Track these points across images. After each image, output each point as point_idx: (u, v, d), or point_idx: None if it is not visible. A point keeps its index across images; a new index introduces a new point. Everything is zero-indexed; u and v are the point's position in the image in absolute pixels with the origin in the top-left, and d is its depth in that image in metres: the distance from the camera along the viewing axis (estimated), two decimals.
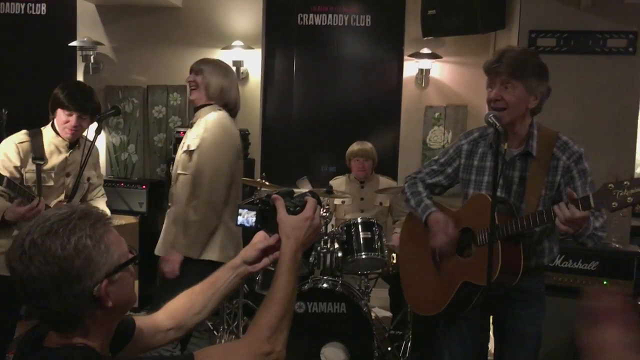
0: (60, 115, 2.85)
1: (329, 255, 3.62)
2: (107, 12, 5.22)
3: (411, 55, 4.97)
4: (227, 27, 5.12)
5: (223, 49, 5.01)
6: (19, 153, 2.82)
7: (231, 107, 3.01)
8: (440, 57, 4.96)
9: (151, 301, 4.93)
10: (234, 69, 5.00)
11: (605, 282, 3.22)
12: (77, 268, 1.15)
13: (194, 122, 2.98)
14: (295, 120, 5.39)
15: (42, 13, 5.36)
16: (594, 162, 3.61)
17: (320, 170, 5.31)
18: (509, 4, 4.28)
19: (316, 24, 5.28)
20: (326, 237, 3.63)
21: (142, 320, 1.44)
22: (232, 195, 2.92)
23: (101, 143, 5.24)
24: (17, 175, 2.82)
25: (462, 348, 2.40)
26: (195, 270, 2.63)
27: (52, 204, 2.88)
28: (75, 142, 2.95)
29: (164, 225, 3.04)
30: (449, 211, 2.45)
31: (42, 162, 2.85)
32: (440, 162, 2.49)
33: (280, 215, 1.43)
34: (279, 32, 5.31)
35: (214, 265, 1.89)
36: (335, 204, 4.30)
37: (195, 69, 2.97)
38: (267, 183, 4.10)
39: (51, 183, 2.89)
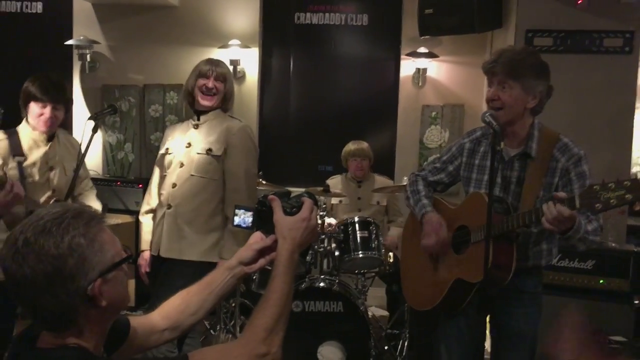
0: (34, 108, 2.84)
1: (325, 255, 3.62)
2: (104, 11, 5.20)
3: (408, 55, 4.97)
4: (224, 25, 5.11)
5: (220, 47, 5.00)
6: None
7: (230, 107, 3.04)
8: (437, 56, 4.97)
9: (148, 300, 4.93)
10: (230, 68, 5.01)
11: (601, 281, 3.23)
12: (71, 267, 1.14)
13: (200, 124, 2.92)
14: (292, 120, 5.39)
15: (38, 11, 5.35)
16: (590, 161, 3.63)
17: (317, 169, 5.30)
18: (505, 3, 4.28)
19: (313, 23, 5.27)
20: (323, 236, 3.63)
21: (137, 321, 1.44)
22: None
23: (97, 142, 5.23)
24: (0, 174, 2.79)
25: (459, 344, 2.40)
26: (193, 270, 2.63)
27: (42, 199, 2.87)
28: (53, 134, 2.92)
29: (165, 226, 2.90)
30: (447, 208, 2.46)
31: (22, 158, 2.83)
32: (442, 159, 2.51)
33: (277, 216, 1.43)
34: (276, 31, 5.30)
35: (213, 266, 1.89)
36: (332, 204, 4.30)
37: (221, 76, 2.90)
38: (264, 182, 4.10)
39: (36, 178, 2.86)
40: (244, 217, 1.50)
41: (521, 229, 2.16)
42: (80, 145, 2.98)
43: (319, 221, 3.68)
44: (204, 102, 2.90)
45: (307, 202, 1.45)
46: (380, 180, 4.42)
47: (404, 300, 3.06)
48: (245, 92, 5.16)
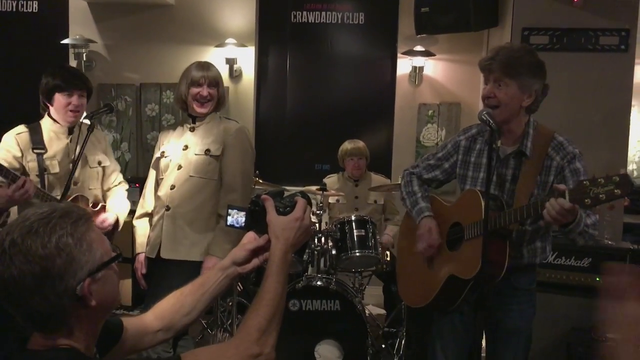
0: (60, 100, 2.87)
1: (322, 253, 3.62)
2: (100, 10, 5.19)
3: (405, 53, 4.98)
4: (220, 24, 5.10)
5: (216, 46, 4.99)
6: (18, 144, 2.87)
7: (223, 107, 3.04)
8: (434, 55, 4.97)
9: (144, 300, 4.92)
10: (227, 67, 5.02)
11: (598, 279, 3.23)
12: (59, 267, 1.13)
13: (196, 127, 2.92)
14: (288, 118, 5.39)
15: (34, 10, 5.33)
16: (586, 160, 3.62)
17: (313, 168, 5.30)
18: (502, 1, 4.29)
19: (309, 21, 5.27)
20: (320, 235, 3.63)
21: (130, 322, 1.43)
22: None
23: None
24: (18, 166, 2.87)
25: (454, 341, 2.41)
26: (190, 270, 2.63)
27: (62, 191, 2.88)
28: (72, 127, 2.95)
29: (164, 227, 2.89)
30: (443, 206, 2.47)
31: (42, 151, 2.88)
32: (437, 156, 2.51)
33: (270, 216, 1.42)
34: (272, 30, 5.30)
35: None
36: (330, 202, 4.31)
37: (213, 81, 2.89)
38: (260, 181, 4.09)
39: (57, 170, 2.90)
40: (236, 217, 1.50)
41: (516, 224, 2.16)
42: (87, 137, 2.97)
43: (316, 220, 3.68)
44: (200, 110, 2.90)
45: (301, 201, 1.44)
46: (377, 179, 4.42)
47: (401, 298, 3.06)
48: (241, 91, 5.16)
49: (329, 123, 5.30)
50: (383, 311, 4.38)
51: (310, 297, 3.31)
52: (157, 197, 2.97)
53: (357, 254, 3.64)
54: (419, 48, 4.90)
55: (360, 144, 4.35)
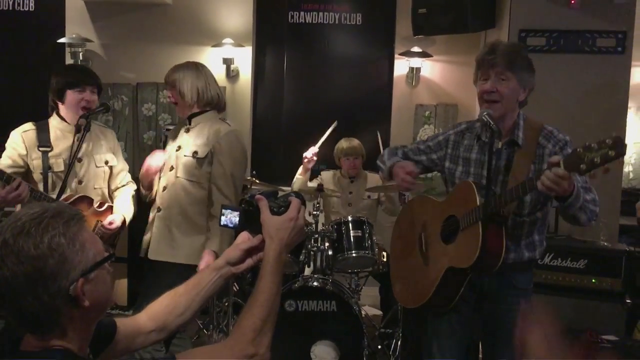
0: (72, 96, 2.91)
1: (319, 254, 3.61)
2: (96, 9, 5.17)
3: (402, 54, 4.98)
4: (217, 24, 5.09)
5: (213, 46, 4.99)
6: (24, 141, 2.89)
7: (215, 104, 2.95)
8: (431, 56, 4.97)
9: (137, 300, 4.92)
10: (224, 67, 5.01)
11: (593, 280, 3.24)
12: (52, 267, 1.12)
13: (191, 128, 2.91)
14: (285, 118, 5.38)
15: (31, 9, 5.31)
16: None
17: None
18: (499, 3, 4.29)
19: (307, 22, 5.26)
20: (316, 236, 3.63)
21: (123, 322, 1.42)
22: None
23: None
24: (22, 164, 2.89)
25: (452, 342, 2.40)
26: (181, 271, 2.63)
27: (67, 189, 2.90)
28: (80, 126, 2.94)
29: (154, 229, 2.91)
30: (435, 202, 2.49)
31: (48, 149, 2.89)
32: (427, 144, 2.53)
33: (264, 216, 1.41)
34: (269, 30, 5.29)
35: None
36: (326, 191, 4.31)
37: (169, 82, 2.90)
38: (257, 181, 4.09)
39: (61, 168, 2.91)
40: (230, 217, 1.49)
41: (512, 206, 2.19)
42: (82, 136, 2.97)
43: (312, 221, 3.68)
44: (178, 114, 2.99)
45: (295, 201, 1.44)
46: (372, 178, 4.43)
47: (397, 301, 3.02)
48: (238, 91, 5.15)
49: (326, 123, 5.26)
50: (379, 312, 4.38)
51: (307, 298, 3.30)
52: (155, 197, 2.99)
53: (354, 255, 3.64)
54: (416, 49, 4.90)
55: (356, 142, 4.36)
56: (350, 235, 3.66)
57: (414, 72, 5.04)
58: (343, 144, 4.37)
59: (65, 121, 2.95)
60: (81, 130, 2.88)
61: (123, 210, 3.09)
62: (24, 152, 2.88)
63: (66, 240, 1.14)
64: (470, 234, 2.17)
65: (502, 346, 2.36)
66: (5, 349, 1.20)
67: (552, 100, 3.90)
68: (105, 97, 5.13)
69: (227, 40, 4.92)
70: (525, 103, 2.33)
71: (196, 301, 1.49)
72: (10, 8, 5.32)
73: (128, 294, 4.77)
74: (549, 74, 3.91)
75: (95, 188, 3.04)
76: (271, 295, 1.34)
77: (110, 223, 2.98)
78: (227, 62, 4.99)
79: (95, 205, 3.00)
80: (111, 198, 3.15)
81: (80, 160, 2.95)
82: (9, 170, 2.77)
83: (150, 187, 3.00)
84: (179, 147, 2.91)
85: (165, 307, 1.49)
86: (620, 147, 1.85)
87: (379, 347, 3.84)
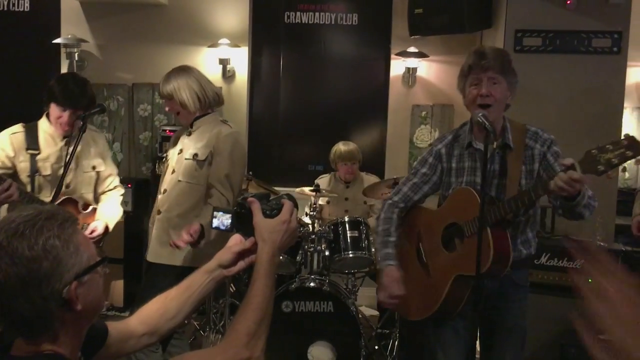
0: (54, 110, 2.86)
1: (316, 254, 3.61)
2: (92, 9, 5.16)
3: (398, 54, 4.98)
4: (213, 24, 5.08)
5: (209, 46, 4.98)
6: (12, 143, 2.87)
7: (215, 103, 2.95)
8: (427, 56, 4.97)
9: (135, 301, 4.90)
10: (220, 67, 5.00)
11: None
12: (46, 269, 1.11)
13: (192, 131, 2.90)
14: (282, 119, 5.38)
15: (26, 9, 5.29)
16: (578, 159, 3.60)
17: (307, 168, 5.29)
18: (495, 3, 4.30)
19: (303, 22, 5.26)
20: (313, 236, 3.62)
21: (115, 326, 1.41)
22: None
23: None
24: (10, 165, 2.87)
25: (457, 347, 2.38)
26: (178, 273, 2.62)
27: (52, 194, 2.88)
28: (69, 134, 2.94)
29: (154, 231, 2.90)
30: (431, 212, 2.45)
31: (36, 152, 2.88)
32: (422, 172, 2.46)
33: (257, 219, 1.40)
34: (265, 30, 5.29)
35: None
36: (321, 204, 4.30)
37: (166, 96, 2.85)
38: (253, 182, 4.08)
39: (48, 172, 2.90)
40: (222, 220, 1.48)
41: (521, 210, 2.22)
42: (78, 137, 2.95)
43: (309, 222, 3.67)
44: (181, 121, 2.95)
45: (287, 204, 1.43)
46: (369, 179, 4.42)
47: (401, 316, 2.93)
48: (234, 91, 5.14)
49: (322, 124, 5.29)
50: (376, 312, 4.38)
51: (304, 299, 3.30)
52: (156, 200, 2.98)
53: (351, 255, 3.63)
54: (412, 49, 4.90)
55: (353, 147, 4.35)
56: (347, 236, 3.66)
57: (410, 73, 5.04)
58: (340, 148, 4.35)
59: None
60: (78, 132, 2.86)
61: (107, 215, 3.07)
62: (12, 154, 2.87)
63: (61, 242, 1.13)
64: (476, 241, 2.16)
65: (504, 343, 2.37)
66: None
67: (548, 100, 3.91)
68: (101, 98, 5.12)
69: (223, 40, 4.92)
70: (509, 106, 2.36)
71: (188, 304, 1.48)
72: (5, 8, 5.30)
73: (124, 295, 4.76)
74: (545, 74, 3.92)
75: (82, 193, 3.03)
76: (265, 298, 1.33)
77: (92, 231, 2.96)
78: (223, 62, 4.99)
79: (80, 206, 2.99)
80: (97, 201, 3.14)
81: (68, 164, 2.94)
82: None
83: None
84: (181, 151, 2.90)
85: (157, 310, 1.47)
86: (636, 146, 1.88)
87: (376, 347, 3.84)
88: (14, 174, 2.88)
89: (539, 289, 3.25)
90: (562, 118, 3.89)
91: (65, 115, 2.84)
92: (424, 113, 5.10)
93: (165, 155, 3.04)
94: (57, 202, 2.86)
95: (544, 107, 3.90)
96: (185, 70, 2.89)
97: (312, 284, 3.40)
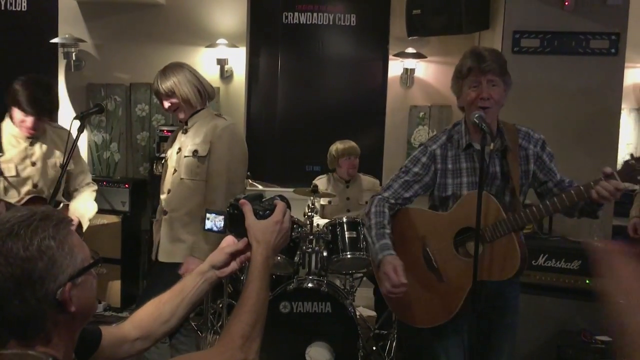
0: (17, 114, 2.86)
1: (314, 255, 3.61)
2: (89, 9, 5.15)
3: (396, 55, 4.98)
4: (211, 24, 5.08)
5: (207, 47, 4.97)
6: None
7: (211, 96, 2.96)
8: (425, 57, 4.98)
9: (134, 302, 4.89)
10: (218, 67, 5.00)
11: (587, 281, 3.25)
12: (41, 270, 1.10)
13: (188, 129, 2.89)
14: (279, 119, 5.38)
15: (23, 9, 5.28)
16: (577, 162, 3.65)
17: (304, 169, 5.29)
18: (493, 4, 4.30)
19: (301, 22, 5.26)
20: (311, 237, 3.62)
21: (109, 330, 1.41)
22: None
23: (83, 141, 5.18)
24: None
25: (459, 348, 2.37)
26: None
27: (20, 195, 2.89)
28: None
29: (162, 232, 2.88)
30: (433, 215, 2.41)
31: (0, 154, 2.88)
32: (414, 171, 2.41)
33: (249, 221, 1.40)
34: (263, 31, 5.29)
35: None
36: (322, 204, 4.30)
37: (166, 93, 2.82)
38: (251, 182, 4.08)
39: (12, 173, 2.89)
40: (215, 221, 1.48)
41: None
42: (69, 136, 2.97)
43: (307, 222, 3.67)
44: (179, 117, 2.92)
45: (280, 204, 1.43)
46: (367, 180, 4.42)
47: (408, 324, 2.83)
48: (232, 91, 5.14)
49: (320, 124, 5.29)
50: (374, 313, 4.37)
51: (302, 299, 3.29)
52: (160, 201, 2.97)
53: (349, 256, 3.63)
54: (410, 50, 4.91)
55: (353, 143, 4.37)
56: (345, 237, 3.65)
57: (408, 73, 5.04)
58: (340, 145, 4.36)
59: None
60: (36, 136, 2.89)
61: (80, 211, 3.06)
62: None
63: (56, 243, 1.13)
64: (503, 245, 2.20)
65: (501, 340, 2.38)
66: None
67: (546, 101, 3.92)
68: (98, 98, 5.12)
69: (221, 40, 4.91)
70: (502, 106, 2.38)
71: (181, 307, 1.47)
72: (3, 8, 5.29)
73: (122, 296, 4.75)
74: (543, 76, 3.93)
75: (51, 192, 3.01)
76: (259, 301, 1.33)
77: None
78: (221, 62, 4.98)
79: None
80: (69, 197, 3.14)
81: (33, 164, 2.94)
82: None
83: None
84: (179, 150, 2.89)
85: (150, 314, 1.47)
86: None
87: (374, 348, 3.84)
88: None
89: (536, 289, 3.25)
90: (560, 119, 3.89)
91: (29, 120, 2.84)
92: (421, 114, 5.10)
93: (164, 156, 3.02)
94: (24, 201, 2.86)
95: (541, 108, 3.91)
96: (180, 66, 2.90)
97: (310, 285, 3.39)
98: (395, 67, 5.10)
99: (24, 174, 2.90)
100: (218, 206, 2.68)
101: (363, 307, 4.59)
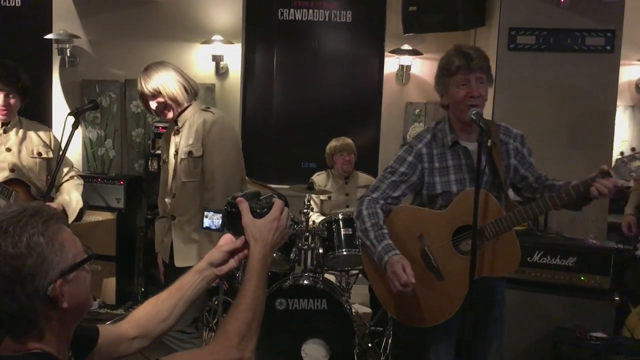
0: None
1: (310, 252, 3.61)
2: (84, 4, 5.12)
3: (392, 52, 4.98)
4: (206, 21, 5.06)
5: (202, 43, 4.96)
6: None
7: (196, 92, 2.91)
8: (421, 54, 4.97)
9: (129, 299, 4.89)
10: (213, 64, 4.99)
11: (582, 278, 3.26)
12: (30, 267, 1.10)
13: (180, 129, 2.86)
14: (275, 116, 5.36)
15: (17, 5, 5.25)
16: (571, 159, 3.65)
17: (300, 166, 5.29)
18: (489, 1, 4.30)
19: (297, 19, 5.25)
20: (307, 234, 3.62)
21: (106, 329, 1.41)
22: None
23: (77, 138, 5.16)
24: None
25: (450, 345, 2.39)
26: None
27: (0, 176, 2.91)
28: (7, 122, 2.96)
29: (174, 238, 2.85)
30: (430, 213, 2.40)
31: None
32: (401, 171, 2.40)
33: (246, 219, 1.39)
34: (259, 27, 5.27)
35: None
36: (322, 200, 4.30)
37: (152, 93, 2.77)
38: (246, 179, 4.06)
39: None
40: (213, 220, 1.48)
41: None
42: (63, 131, 2.95)
43: (303, 219, 3.67)
44: (167, 117, 2.87)
45: (277, 202, 1.43)
46: (364, 178, 4.43)
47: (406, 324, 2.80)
48: (228, 88, 5.12)
49: (316, 121, 5.28)
50: (369, 310, 4.38)
51: (297, 296, 3.29)
52: (165, 202, 2.94)
53: (344, 253, 3.63)
54: (406, 47, 4.90)
55: (348, 140, 4.38)
56: (340, 234, 3.65)
57: (404, 70, 5.04)
58: (335, 142, 4.38)
59: None
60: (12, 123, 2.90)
61: (64, 200, 3.04)
62: None
63: (45, 239, 1.12)
64: (504, 242, 2.25)
65: (491, 334, 2.40)
66: None
67: (541, 97, 3.92)
68: (93, 94, 5.10)
69: (217, 37, 4.90)
70: None
71: (179, 306, 1.47)
72: None
73: (116, 293, 4.74)
74: (539, 72, 3.93)
75: (30, 177, 3.00)
76: (256, 299, 1.33)
77: None
78: (217, 59, 4.96)
79: (33, 193, 2.99)
80: (53, 190, 3.14)
81: (9, 150, 2.95)
82: None
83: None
84: (176, 152, 2.86)
85: (147, 313, 1.46)
86: None
87: (370, 345, 3.84)
88: None
89: (532, 286, 3.26)
90: (555, 116, 3.90)
91: (0, 98, 2.85)
92: (417, 111, 5.10)
93: (162, 155, 2.99)
94: (5, 180, 2.88)
95: (537, 105, 3.91)
96: (162, 64, 2.85)
97: (305, 282, 3.39)
98: (391, 64, 5.10)
99: None
100: (217, 203, 2.66)
101: (359, 304, 4.60)
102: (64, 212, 2.98)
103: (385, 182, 2.40)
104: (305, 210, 3.68)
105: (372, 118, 5.22)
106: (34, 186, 3.02)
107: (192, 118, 2.84)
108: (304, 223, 3.64)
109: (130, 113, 5.19)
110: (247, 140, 5.28)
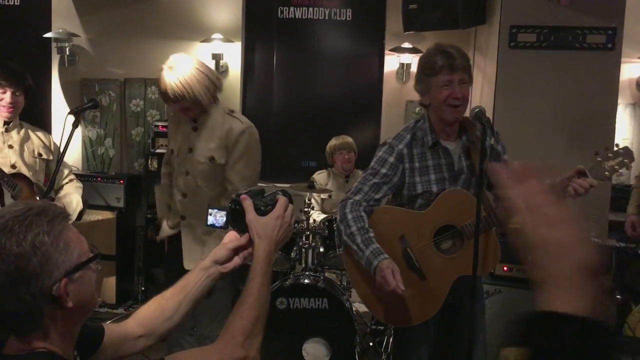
0: None
1: (310, 251, 3.60)
2: (83, 3, 5.10)
3: (392, 50, 4.96)
4: (206, 19, 5.05)
5: (202, 41, 4.94)
6: None
7: (220, 88, 2.82)
8: (422, 52, 4.95)
9: (129, 298, 4.88)
10: (213, 62, 4.97)
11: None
12: (34, 266, 1.10)
13: (198, 126, 2.77)
14: (275, 115, 5.35)
15: (16, 3, 5.22)
16: (571, 157, 3.64)
17: (300, 164, 5.27)
18: None
19: (297, 17, 5.23)
20: (308, 233, 3.61)
21: (111, 328, 1.41)
22: None
23: (77, 137, 5.14)
24: None
25: (427, 345, 2.42)
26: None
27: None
28: (9, 122, 3.00)
29: (184, 238, 2.82)
30: (411, 213, 2.40)
31: None
32: (382, 172, 2.39)
33: (250, 216, 1.39)
34: (259, 25, 5.25)
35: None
36: (323, 198, 4.30)
37: (175, 98, 2.60)
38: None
39: None
40: (217, 217, 1.47)
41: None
42: (63, 131, 2.96)
43: (303, 217, 3.66)
44: (184, 116, 2.76)
45: (281, 199, 1.42)
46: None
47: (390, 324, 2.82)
48: (227, 86, 5.09)
49: (316, 120, 5.27)
50: None
51: (298, 295, 3.28)
52: (173, 201, 2.90)
53: None
54: (406, 45, 4.89)
55: (349, 138, 4.38)
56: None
57: (405, 68, 5.03)
58: (335, 141, 4.38)
59: None
60: (14, 124, 2.94)
61: (65, 200, 3.08)
62: None
63: (50, 238, 1.12)
64: (484, 242, 2.26)
65: (476, 330, 2.40)
66: None
67: (542, 95, 3.91)
68: (93, 93, 5.09)
69: (216, 35, 4.88)
70: None
71: (184, 304, 1.47)
72: None
73: (116, 292, 4.73)
74: (539, 70, 3.92)
75: (30, 175, 3.02)
76: (261, 297, 1.32)
77: None
78: (216, 57, 4.95)
79: (36, 191, 3.01)
80: (55, 193, 3.17)
81: (11, 147, 2.98)
82: None
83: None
84: (191, 150, 2.78)
85: (152, 312, 1.46)
86: (630, 155, 2.20)
87: (371, 344, 3.84)
88: None
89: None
90: (556, 114, 3.89)
91: (7, 96, 2.90)
92: (417, 109, 5.08)
93: (171, 150, 2.90)
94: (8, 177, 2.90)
95: (538, 103, 3.90)
96: (189, 65, 2.65)
97: (306, 281, 3.39)
98: (391, 62, 5.09)
99: (0, 156, 2.95)
100: None
101: (359, 303, 4.57)
102: None
103: (367, 184, 2.40)
104: (306, 209, 3.68)
105: (373, 116, 5.21)
106: (35, 184, 3.03)
107: (215, 120, 2.76)
108: (305, 222, 3.63)
109: (130, 112, 5.17)
110: None
